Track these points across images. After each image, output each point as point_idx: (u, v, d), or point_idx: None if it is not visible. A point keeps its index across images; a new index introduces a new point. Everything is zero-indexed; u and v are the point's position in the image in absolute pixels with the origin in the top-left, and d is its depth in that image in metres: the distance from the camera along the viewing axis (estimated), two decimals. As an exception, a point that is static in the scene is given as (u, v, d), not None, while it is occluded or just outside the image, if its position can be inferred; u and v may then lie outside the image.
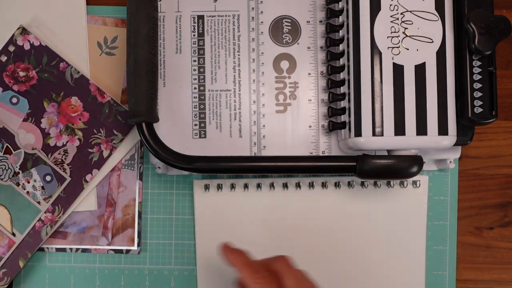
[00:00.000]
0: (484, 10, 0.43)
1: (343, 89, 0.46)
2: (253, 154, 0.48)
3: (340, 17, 0.46)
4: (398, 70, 0.43)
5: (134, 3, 0.43)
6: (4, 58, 0.49)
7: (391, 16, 0.43)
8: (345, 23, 0.45)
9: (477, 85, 0.43)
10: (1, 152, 0.49)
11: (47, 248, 0.51)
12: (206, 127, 0.48)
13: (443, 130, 0.43)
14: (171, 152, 0.44)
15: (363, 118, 0.43)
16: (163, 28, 0.48)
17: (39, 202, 0.49)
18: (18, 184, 0.49)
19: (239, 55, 0.49)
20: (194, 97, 0.49)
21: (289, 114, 0.48)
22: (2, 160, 0.48)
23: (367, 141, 0.43)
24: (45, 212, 0.49)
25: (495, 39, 0.42)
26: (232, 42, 0.49)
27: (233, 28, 0.49)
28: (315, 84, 0.48)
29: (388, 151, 0.45)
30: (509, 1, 0.51)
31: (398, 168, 0.43)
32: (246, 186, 0.49)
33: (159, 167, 0.49)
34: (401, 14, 0.43)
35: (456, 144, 0.44)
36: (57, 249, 0.51)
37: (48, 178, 0.49)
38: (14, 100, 0.49)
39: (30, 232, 0.49)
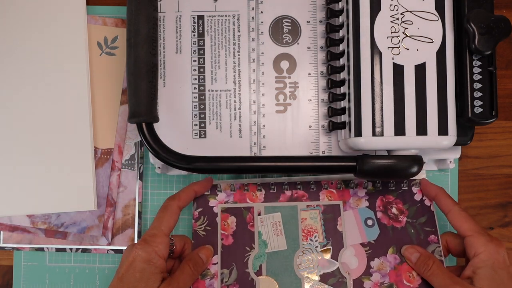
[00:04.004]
0: (484, 10, 0.43)
1: (343, 89, 0.46)
2: (253, 154, 0.48)
3: (340, 17, 0.46)
4: (398, 70, 0.43)
5: (134, 3, 0.43)
6: None
7: (391, 16, 0.43)
8: (345, 23, 0.45)
9: (477, 85, 0.43)
10: None
11: (47, 248, 0.51)
12: (206, 127, 0.48)
13: (443, 130, 0.43)
14: (171, 152, 0.44)
15: (363, 118, 0.43)
16: (163, 28, 0.48)
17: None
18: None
19: (239, 55, 0.49)
20: (194, 97, 0.49)
21: (289, 114, 0.48)
22: None
23: (367, 141, 0.43)
24: None
25: (495, 39, 0.42)
26: (232, 42, 0.49)
27: (233, 28, 0.49)
28: (315, 84, 0.48)
29: (388, 151, 0.45)
30: (509, 1, 0.51)
31: (398, 168, 0.43)
32: (246, 186, 0.49)
33: (159, 167, 0.49)
34: (401, 14, 0.43)
35: (456, 144, 0.44)
36: (57, 249, 0.51)
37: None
38: None
39: None
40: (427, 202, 0.48)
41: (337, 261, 0.47)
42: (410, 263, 0.45)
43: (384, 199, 0.48)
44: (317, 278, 0.46)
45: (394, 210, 0.48)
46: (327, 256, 0.47)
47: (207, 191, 0.48)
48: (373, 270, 0.46)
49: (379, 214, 0.48)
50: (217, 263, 0.47)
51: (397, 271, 0.46)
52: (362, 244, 0.47)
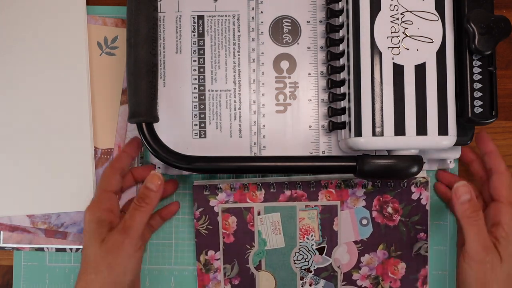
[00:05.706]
0: (484, 10, 0.43)
1: (343, 89, 0.46)
2: (253, 154, 0.48)
3: (340, 17, 0.46)
4: (398, 70, 0.43)
5: (134, 3, 0.43)
6: None
7: (391, 16, 0.43)
8: (345, 23, 0.45)
9: (477, 85, 0.43)
10: None
11: (47, 248, 0.51)
12: (206, 127, 0.48)
13: (443, 130, 0.43)
14: (171, 152, 0.44)
15: (363, 118, 0.43)
16: (163, 28, 0.48)
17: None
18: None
19: (239, 55, 0.49)
20: (194, 97, 0.49)
21: (289, 114, 0.48)
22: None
23: (367, 141, 0.43)
24: None
25: (495, 39, 0.42)
26: (232, 42, 0.49)
27: (233, 28, 0.49)
28: (315, 84, 0.48)
29: (388, 151, 0.45)
30: (509, 1, 0.51)
31: (398, 168, 0.43)
32: (246, 186, 0.49)
33: (159, 167, 0.49)
34: (401, 14, 0.43)
35: (456, 144, 0.44)
36: (57, 249, 0.51)
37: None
38: None
39: None
40: (423, 201, 0.49)
41: (331, 257, 0.49)
42: (455, 200, 0.43)
43: (381, 198, 0.49)
44: (311, 272, 0.49)
45: (389, 210, 0.49)
46: (322, 253, 0.50)
47: (139, 151, 0.49)
48: (362, 264, 0.49)
49: (374, 213, 0.49)
50: (219, 258, 0.49)
51: (384, 265, 0.49)
52: (355, 242, 0.50)
